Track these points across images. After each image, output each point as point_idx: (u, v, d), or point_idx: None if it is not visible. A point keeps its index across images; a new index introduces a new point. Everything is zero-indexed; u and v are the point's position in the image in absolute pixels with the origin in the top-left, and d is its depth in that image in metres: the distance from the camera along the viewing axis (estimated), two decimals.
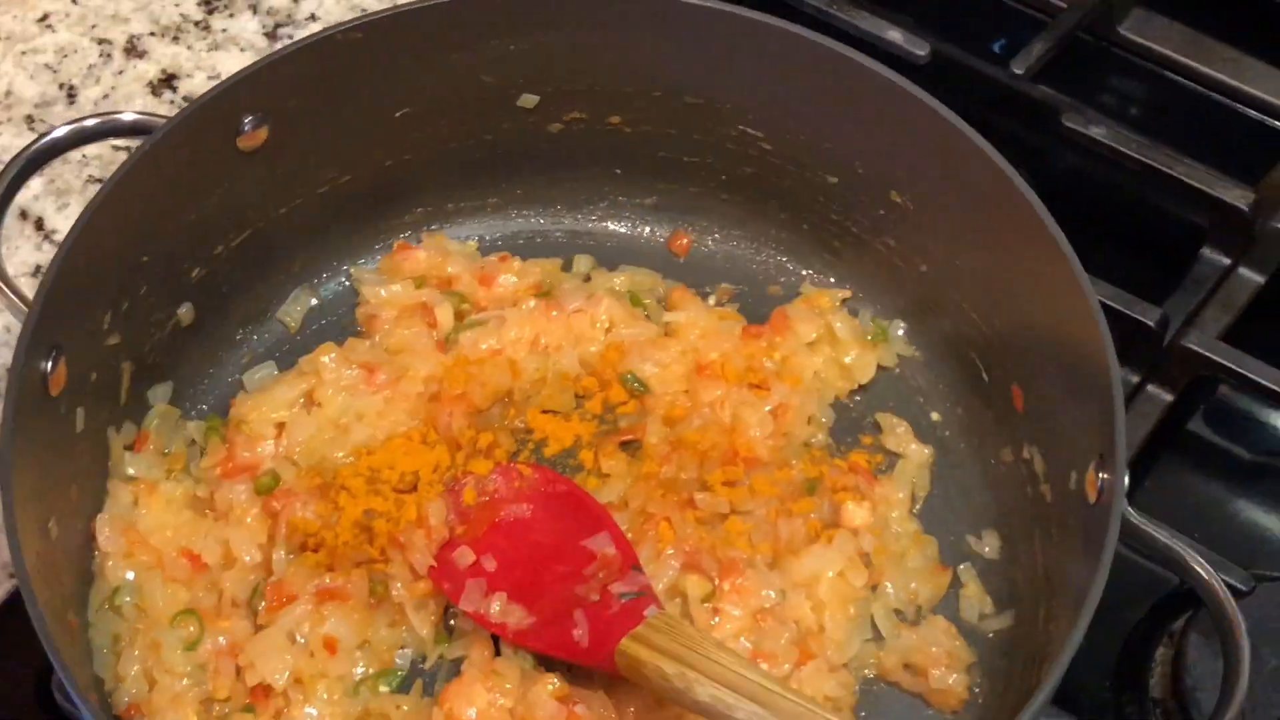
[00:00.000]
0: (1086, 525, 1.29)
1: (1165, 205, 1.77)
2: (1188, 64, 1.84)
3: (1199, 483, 1.70)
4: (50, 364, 1.29)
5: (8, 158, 1.76)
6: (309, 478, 1.44)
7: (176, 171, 1.39)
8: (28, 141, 1.77)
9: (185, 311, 1.48)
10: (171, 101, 1.83)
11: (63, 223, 1.74)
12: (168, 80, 1.85)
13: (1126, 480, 1.25)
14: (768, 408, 1.50)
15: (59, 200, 1.75)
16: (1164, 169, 1.72)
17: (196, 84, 1.84)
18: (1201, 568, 1.24)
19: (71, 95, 1.84)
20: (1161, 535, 1.26)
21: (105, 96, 1.83)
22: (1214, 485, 1.70)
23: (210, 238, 1.48)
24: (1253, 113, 1.84)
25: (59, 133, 1.39)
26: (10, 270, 1.68)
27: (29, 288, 1.65)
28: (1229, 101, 1.85)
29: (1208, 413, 1.72)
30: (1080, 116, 1.77)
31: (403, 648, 1.39)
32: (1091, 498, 1.28)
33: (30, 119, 1.82)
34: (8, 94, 1.83)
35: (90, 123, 1.40)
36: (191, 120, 1.37)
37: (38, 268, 1.70)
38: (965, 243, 1.47)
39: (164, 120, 1.39)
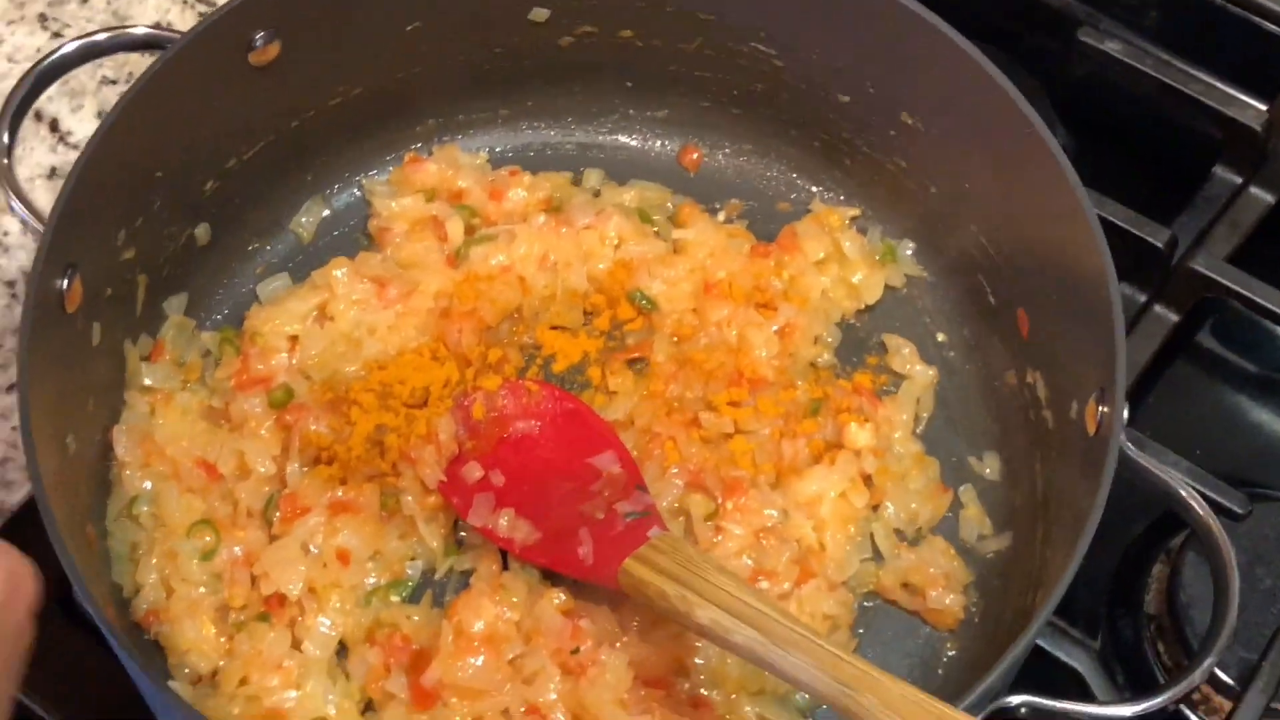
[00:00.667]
0: (1085, 454, 1.31)
1: (1180, 121, 1.76)
2: None
3: (1206, 395, 1.71)
4: (66, 282, 1.30)
5: (21, 57, 1.78)
6: (322, 392, 1.45)
7: (189, 88, 1.39)
8: (40, 41, 1.80)
9: (201, 231, 1.49)
10: (186, 1, 1.82)
11: (77, 125, 1.75)
12: None
13: (1125, 414, 1.26)
14: (774, 328, 1.51)
15: (73, 102, 1.75)
16: (1179, 86, 1.72)
17: None
18: (1196, 502, 1.26)
19: None
20: (1156, 469, 1.28)
21: None
22: (1220, 397, 1.72)
23: (223, 152, 1.49)
24: (1271, 26, 1.82)
25: (68, 48, 1.39)
26: (25, 173, 1.70)
27: (44, 189, 1.68)
28: (1245, 14, 1.83)
29: (1216, 326, 1.73)
30: (1096, 31, 1.76)
31: (413, 559, 1.41)
32: (1090, 429, 1.30)
33: (43, 17, 1.82)
34: None
35: (100, 37, 1.40)
36: (204, 37, 1.37)
37: (53, 170, 1.71)
38: (974, 166, 1.48)
39: (175, 35, 1.39)
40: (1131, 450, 1.27)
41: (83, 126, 1.74)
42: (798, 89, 1.56)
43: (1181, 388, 1.70)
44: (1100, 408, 1.28)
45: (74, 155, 1.71)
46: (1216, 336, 1.74)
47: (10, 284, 1.64)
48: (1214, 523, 1.25)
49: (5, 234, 1.67)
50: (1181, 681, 1.20)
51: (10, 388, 1.58)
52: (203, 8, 1.83)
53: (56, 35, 1.80)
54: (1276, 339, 1.73)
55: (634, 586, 1.30)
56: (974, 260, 1.52)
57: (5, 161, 1.31)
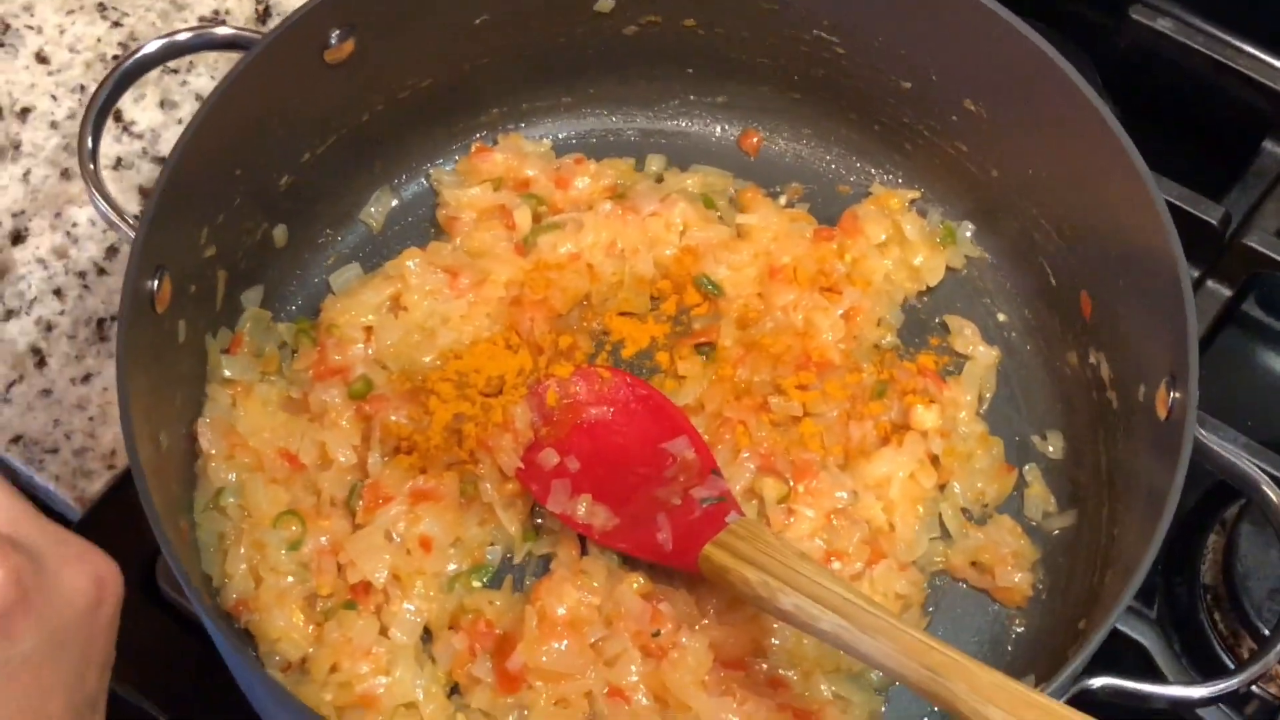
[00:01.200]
0: (1154, 437, 1.34)
1: (1229, 95, 1.78)
2: None
3: (1253, 363, 1.75)
4: (156, 284, 1.33)
5: (83, 47, 1.80)
6: (399, 382, 1.48)
7: (268, 87, 1.41)
8: (100, 30, 1.82)
9: (279, 232, 1.53)
10: None
11: (139, 114, 1.77)
12: None
13: (1197, 399, 1.29)
14: (839, 311, 1.54)
15: (135, 91, 1.76)
16: (1229, 62, 1.74)
17: None
18: (1272, 490, 1.28)
19: None
20: (1230, 454, 1.31)
21: None
22: (1268, 365, 1.75)
23: (298, 147, 1.51)
24: None
25: (150, 48, 1.41)
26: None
27: (110, 179, 1.70)
28: None
29: (1260, 296, 1.76)
30: (1148, 9, 1.77)
31: (492, 544, 1.44)
32: (1161, 415, 1.32)
33: (101, 6, 1.83)
34: None
35: (182, 37, 1.42)
36: (283, 38, 1.39)
37: (118, 160, 1.74)
38: (1038, 152, 1.49)
39: (255, 35, 1.42)
40: (1204, 435, 1.30)
41: (145, 116, 1.77)
42: (859, 75, 1.58)
43: (1228, 357, 1.73)
44: (1172, 393, 1.31)
45: (138, 145, 1.74)
46: (1262, 306, 1.77)
47: (81, 275, 1.67)
48: None
49: (74, 225, 1.69)
50: (1256, 663, 1.23)
51: (86, 378, 1.62)
52: None
53: (116, 25, 1.82)
54: None
55: (715, 572, 1.33)
56: (1035, 242, 1.55)
57: (91, 167, 1.33)
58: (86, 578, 1.08)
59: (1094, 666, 1.25)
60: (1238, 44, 1.77)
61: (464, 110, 1.63)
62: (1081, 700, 1.23)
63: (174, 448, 1.40)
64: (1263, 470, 1.44)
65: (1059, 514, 1.49)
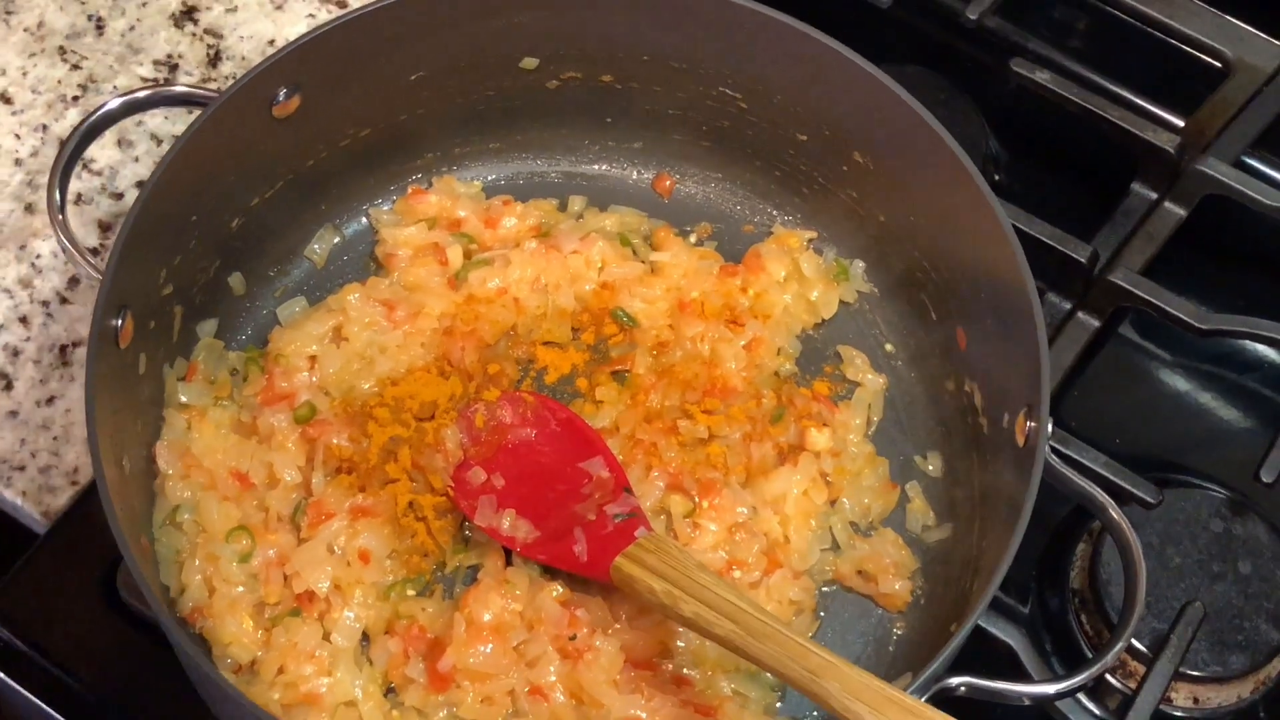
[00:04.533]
0: (1015, 460, 1.50)
1: (1103, 141, 1.94)
2: (1128, 2, 2.02)
3: (1128, 384, 1.90)
4: (120, 322, 1.47)
5: (44, 88, 1.93)
6: (341, 407, 1.62)
7: (220, 141, 1.55)
8: (60, 73, 1.94)
9: (235, 280, 1.67)
10: (193, 34, 1.97)
11: (99, 153, 1.89)
12: (188, 12, 1.99)
13: (1050, 429, 1.45)
14: (742, 342, 1.69)
15: None
16: (1101, 112, 1.90)
17: (215, 16, 1.98)
18: (1111, 507, 1.45)
19: (100, 27, 1.98)
20: (1075, 478, 1.47)
21: (131, 29, 1.97)
22: (1141, 386, 1.90)
23: (247, 192, 1.65)
24: (1186, 49, 2.02)
25: (112, 105, 1.54)
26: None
27: (71, 214, 1.83)
28: (1165, 37, 2.02)
29: (1136, 321, 1.92)
30: (1027, 61, 1.94)
31: (426, 556, 1.58)
32: (1020, 442, 1.49)
33: (62, 50, 1.96)
34: (40, 25, 1.97)
35: (141, 94, 1.56)
36: (235, 97, 1.53)
37: (79, 196, 1.86)
38: (916, 201, 1.65)
39: (209, 93, 1.56)
40: (1055, 461, 1.46)
41: (104, 155, 1.89)
42: (761, 127, 1.74)
43: (1105, 379, 1.89)
44: (1028, 423, 1.47)
45: (97, 181, 1.87)
46: (1137, 330, 1.93)
47: (45, 304, 1.80)
48: (1126, 526, 1.44)
49: (38, 257, 1.82)
50: (1095, 665, 1.39)
51: (50, 400, 1.74)
52: (210, 39, 1.97)
53: (75, 67, 1.95)
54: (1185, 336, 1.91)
55: (625, 582, 1.47)
56: (917, 280, 1.70)
57: (61, 218, 1.47)
58: None
59: (958, 667, 1.41)
60: (1110, 85, 1.94)
61: (401, 155, 1.78)
62: (941, 697, 1.39)
63: (135, 469, 1.54)
64: (1116, 484, 1.62)
65: (937, 527, 1.65)
